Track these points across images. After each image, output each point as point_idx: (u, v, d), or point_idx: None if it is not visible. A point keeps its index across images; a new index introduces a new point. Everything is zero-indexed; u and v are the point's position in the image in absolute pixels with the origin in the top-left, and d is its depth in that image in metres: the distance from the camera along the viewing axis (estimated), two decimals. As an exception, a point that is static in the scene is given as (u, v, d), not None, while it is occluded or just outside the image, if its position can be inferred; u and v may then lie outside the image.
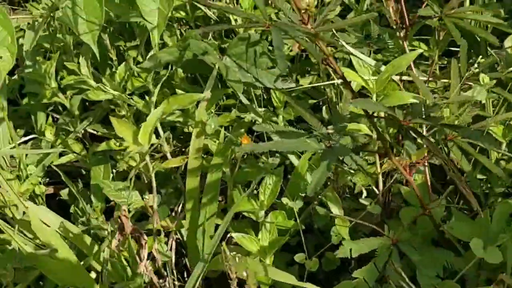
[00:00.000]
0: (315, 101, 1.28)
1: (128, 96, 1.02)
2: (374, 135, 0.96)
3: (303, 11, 0.69)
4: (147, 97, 1.04)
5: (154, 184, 0.95)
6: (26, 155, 1.27)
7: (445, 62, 1.20)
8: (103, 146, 1.12)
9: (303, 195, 1.09)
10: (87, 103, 1.45)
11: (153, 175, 0.94)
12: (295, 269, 1.14)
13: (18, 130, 1.41)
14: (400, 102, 0.84)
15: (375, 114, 0.85)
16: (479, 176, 1.09)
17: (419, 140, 0.82)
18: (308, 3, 0.68)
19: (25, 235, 1.10)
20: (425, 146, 0.88)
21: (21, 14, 1.52)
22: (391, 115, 0.72)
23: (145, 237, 0.88)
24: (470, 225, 0.95)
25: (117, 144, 1.03)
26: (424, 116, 0.74)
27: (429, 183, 1.01)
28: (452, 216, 0.99)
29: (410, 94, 0.84)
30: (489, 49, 0.98)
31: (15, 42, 0.95)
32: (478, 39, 1.00)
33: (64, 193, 1.32)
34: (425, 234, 1.01)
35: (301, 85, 1.17)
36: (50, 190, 1.41)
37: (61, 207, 1.33)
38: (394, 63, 0.86)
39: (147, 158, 0.91)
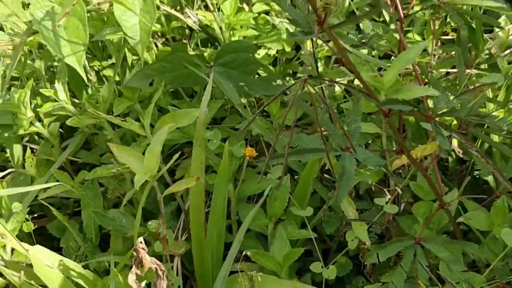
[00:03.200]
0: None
1: (121, 119, 0.95)
2: (383, 133, 0.94)
3: (320, 9, 0.65)
4: (141, 118, 0.98)
5: (162, 210, 0.89)
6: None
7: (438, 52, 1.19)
8: (93, 173, 1.05)
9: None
10: (62, 130, 1.38)
11: (161, 200, 0.88)
12: (308, 277, 1.10)
13: (-9, 165, 1.33)
14: (413, 96, 0.80)
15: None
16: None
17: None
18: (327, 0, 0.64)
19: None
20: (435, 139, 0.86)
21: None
22: (418, 111, 0.69)
23: (163, 267, 0.83)
24: (487, 214, 0.93)
25: (114, 170, 0.97)
26: (448, 109, 0.72)
27: (439, 177, 0.99)
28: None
29: (423, 87, 0.81)
30: (485, 35, 0.96)
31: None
32: (473, 25, 0.98)
33: (51, 227, 1.25)
34: (440, 228, 1.00)
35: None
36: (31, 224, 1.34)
37: (47, 240, 1.25)
38: (402, 57, 0.83)
39: (155, 183, 0.85)
